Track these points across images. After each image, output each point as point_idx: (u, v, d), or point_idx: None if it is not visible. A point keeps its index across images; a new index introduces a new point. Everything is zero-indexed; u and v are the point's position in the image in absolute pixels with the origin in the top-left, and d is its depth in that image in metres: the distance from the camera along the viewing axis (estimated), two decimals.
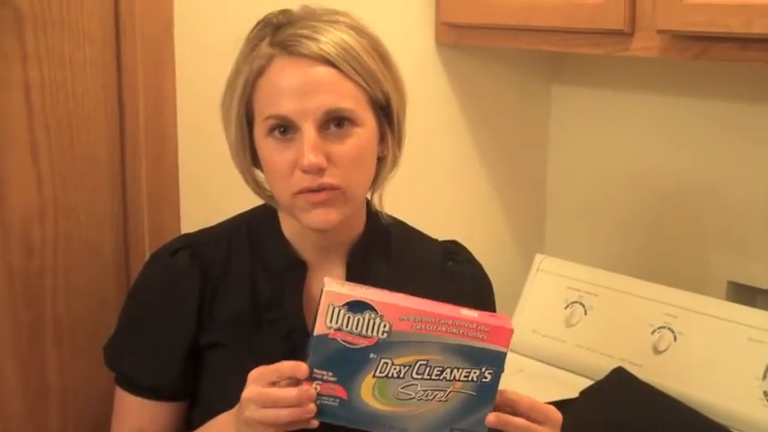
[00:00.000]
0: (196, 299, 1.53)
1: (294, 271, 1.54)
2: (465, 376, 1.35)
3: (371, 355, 1.32)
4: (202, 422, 1.50)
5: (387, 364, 1.32)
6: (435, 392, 1.35)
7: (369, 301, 1.31)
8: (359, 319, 1.31)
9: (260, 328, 1.52)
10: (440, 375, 1.34)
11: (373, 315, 1.31)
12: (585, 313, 2.23)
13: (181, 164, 1.90)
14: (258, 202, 1.59)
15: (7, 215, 1.71)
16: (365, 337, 1.31)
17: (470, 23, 2.24)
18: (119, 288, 1.85)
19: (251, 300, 1.53)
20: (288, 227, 1.55)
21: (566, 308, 2.26)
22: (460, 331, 1.33)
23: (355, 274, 1.54)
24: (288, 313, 1.52)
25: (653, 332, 2.10)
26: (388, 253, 1.59)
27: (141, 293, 1.59)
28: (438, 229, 1.69)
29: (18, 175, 1.72)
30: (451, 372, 1.34)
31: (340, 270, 1.55)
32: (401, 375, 1.33)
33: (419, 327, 1.32)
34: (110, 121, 1.81)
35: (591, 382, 2.11)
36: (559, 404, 1.97)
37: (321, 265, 1.55)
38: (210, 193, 1.96)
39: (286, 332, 1.51)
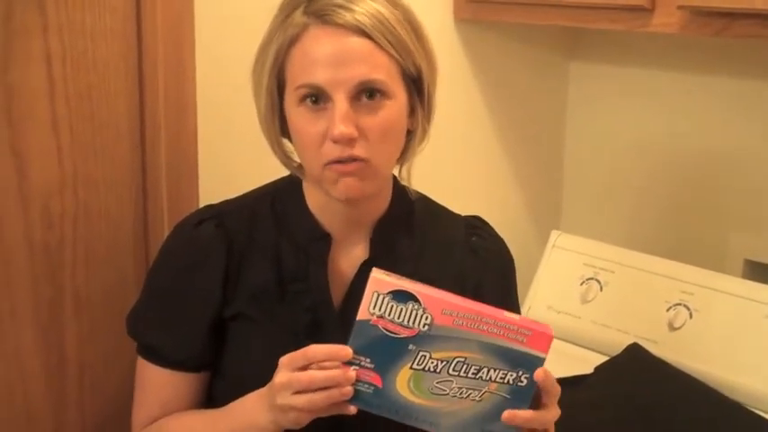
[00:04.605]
0: (221, 270, 1.52)
1: (318, 243, 1.53)
2: (501, 378, 1.34)
3: (410, 347, 1.32)
4: (225, 393, 1.50)
5: (425, 356, 1.32)
6: (470, 391, 1.34)
7: (413, 292, 1.31)
8: (402, 309, 1.31)
9: (284, 299, 1.52)
10: (476, 374, 1.33)
11: (416, 306, 1.31)
12: (601, 290, 2.24)
13: (200, 136, 1.90)
14: (277, 173, 1.59)
15: (28, 188, 1.71)
16: (406, 327, 1.31)
17: None
18: (137, 260, 1.86)
19: (275, 271, 1.52)
20: (313, 199, 1.54)
21: (581, 284, 2.27)
22: (501, 332, 1.32)
23: (379, 248, 1.54)
24: (312, 285, 1.52)
25: (669, 309, 2.11)
26: (412, 228, 1.58)
27: (166, 264, 1.58)
28: (454, 205, 1.69)
29: (39, 148, 1.71)
30: (488, 372, 1.34)
31: (364, 244, 1.55)
32: (438, 370, 1.33)
33: (460, 323, 1.32)
34: (130, 93, 1.81)
35: (606, 359, 2.12)
36: (574, 380, 2.00)
37: (345, 239, 1.55)
38: (229, 165, 1.96)
39: (310, 304, 1.51)
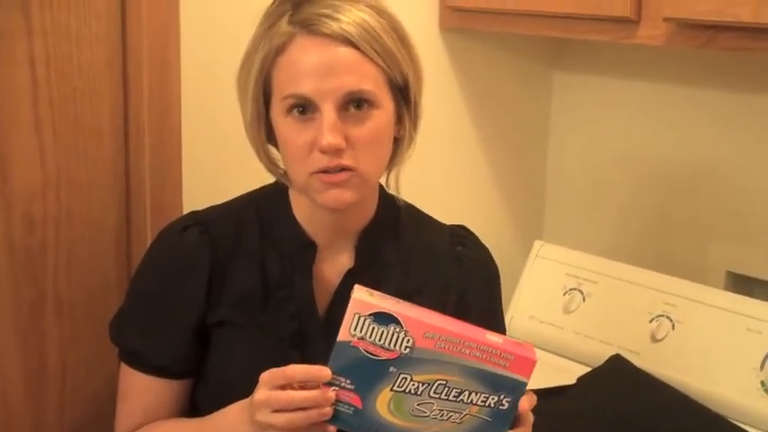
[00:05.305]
0: (205, 276, 1.51)
1: (304, 251, 1.53)
2: (482, 401, 1.33)
3: (391, 369, 1.31)
4: (208, 401, 1.50)
5: (405, 379, 1.31)
6: (451, 413, 1.33)
7: (395, 314, 1.30)
8: (383, 331, 1.30)
9: (268, 306, 1.51)
10: (457, 397, 1.33)
11: (398, 329, 1.30)
12: (584, 300, 2.24)
13: (184, 140, 1.90)
14: (262, 179, 1.59)
15: (10, 190, 1.70)
16: (387, 349, 1.30)
17: (475, 7, 2.24)
18: (120, 264, 1.85)
19: (260, 278, 1.52)
20: (298, 207, 1.54)
21: (564, 294, 2.27)
22: (483, 356, 1.31)
23: (364, 256, 1.54)
24: (297, 293, 1.51)
25: (651, 320, 2.11)
26: (397, 237, 1.58)
27: (150, 270, 1.57)
28: (438, 214, 1.69)
29: (22, 150, 1.71)
30: (469, 395, 1.32)
31: (349, 252, 1.55)
32: (418, 392, 1.32)
33: (442, 346, 1.30)
34: (114, 97, 1.81)
35: (588, 369, 2.12)
36: (557, 390, 2.00)
37: (331, 247, 1.54)
38: (213, 169, 1.96)
39: (294, 311, 1.51)
